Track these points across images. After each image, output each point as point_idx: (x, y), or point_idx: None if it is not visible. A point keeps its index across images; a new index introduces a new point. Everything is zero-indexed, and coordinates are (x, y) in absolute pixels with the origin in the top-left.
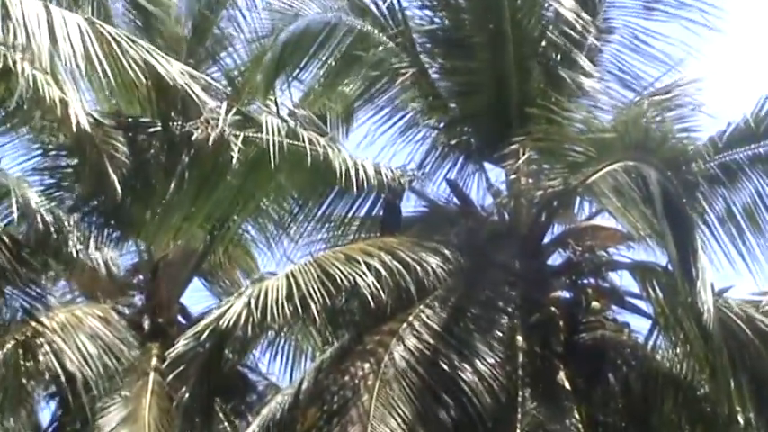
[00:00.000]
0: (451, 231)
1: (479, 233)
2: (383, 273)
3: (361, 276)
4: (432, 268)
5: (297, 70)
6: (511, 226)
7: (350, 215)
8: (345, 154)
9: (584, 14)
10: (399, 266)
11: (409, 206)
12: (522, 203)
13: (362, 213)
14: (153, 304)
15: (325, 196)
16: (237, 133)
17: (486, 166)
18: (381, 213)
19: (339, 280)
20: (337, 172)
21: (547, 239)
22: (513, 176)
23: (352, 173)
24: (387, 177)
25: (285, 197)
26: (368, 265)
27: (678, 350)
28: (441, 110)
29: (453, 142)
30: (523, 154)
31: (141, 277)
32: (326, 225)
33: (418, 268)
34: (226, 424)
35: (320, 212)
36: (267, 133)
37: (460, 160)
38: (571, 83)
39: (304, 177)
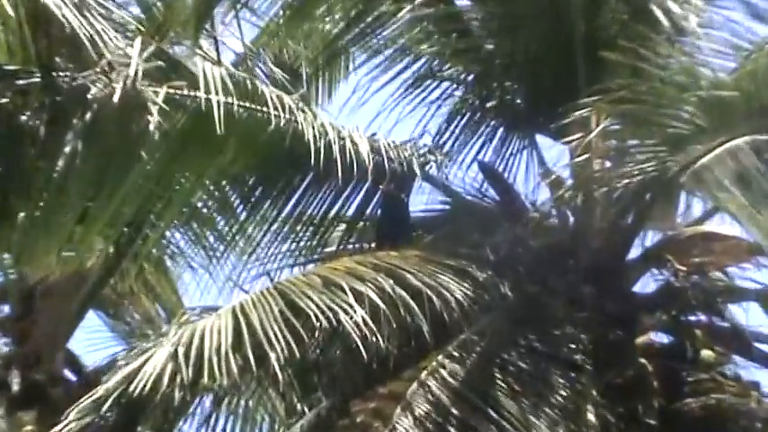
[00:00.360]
0: (486, 241)
1: (529, 244)
2: (381, 306)
3: (346, 311)
4: (456, 298)
5: None
6: (578, 233)
7: (330, 216)
8: (324, 121)
9: None
10: (406, 296)
11: (421, 202)
12: (596, 199)
13: (350, 213)
14: (25, 352)
15: (292, 187)
16: (157, 89)
17: (540, 140)
18: (379, 213)
19: (314, 317)
20: (311, 149)
21: (633, 254)
22: (581, 157)
23: (335, 150)
24: (387, 157)
25: (232, 189)
26: (357, 295)
27: None
28: (469, 54)
29: (489, 104)
30: (597, 123)
31: (7, 310)
32: (295, 232)
33: (435, 299)
34: None
35: (285, 212)
36: (204, 90)
37: (500, 132)
38: (668, 13)
39: (260, 158)
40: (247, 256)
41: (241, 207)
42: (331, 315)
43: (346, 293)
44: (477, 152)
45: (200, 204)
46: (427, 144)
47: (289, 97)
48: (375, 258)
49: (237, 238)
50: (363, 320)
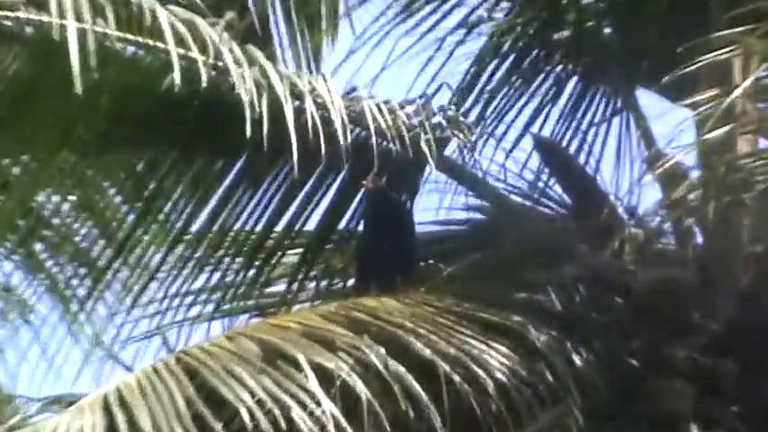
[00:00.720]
0: (548, 278)
1: (624, 281)
2: (364, 393)
3: (302, 403)
4: (495, 380)
5: None
6: (711, 263)
7: (278, 232)
8: (268, 67)
9: None
10: (407, 376)
11: (434, 208)
12: (743, 203)
13: (311, 227)
14: None
15: (211, 180)
16: None
17: (643, 100)
18: (362, 227)
19: (246, 414)
20: (246, 115)
21: None
22: (716, 131)
23: (288, 115)
24: (376, 130)
25: (105, 183)
26: (322, 374)
27: None
28: None
29: (553, 37)
30: (744, 73)
31: None
32: (214, 259)
33: (458, 380)
34: None
35: (198, 224)
36: (55, 11)
37: (572, 85)
38: None
39: (155, 130)
40: (131, 302)
41: (121, 215)
42: (277, 409)
43: (302, 371)
44: (531, 120)
45: (47, 211)
46: (445, 107)
47: (206, 25)
48: (354, 308)
49: (114, 269)
50: (333, 418)
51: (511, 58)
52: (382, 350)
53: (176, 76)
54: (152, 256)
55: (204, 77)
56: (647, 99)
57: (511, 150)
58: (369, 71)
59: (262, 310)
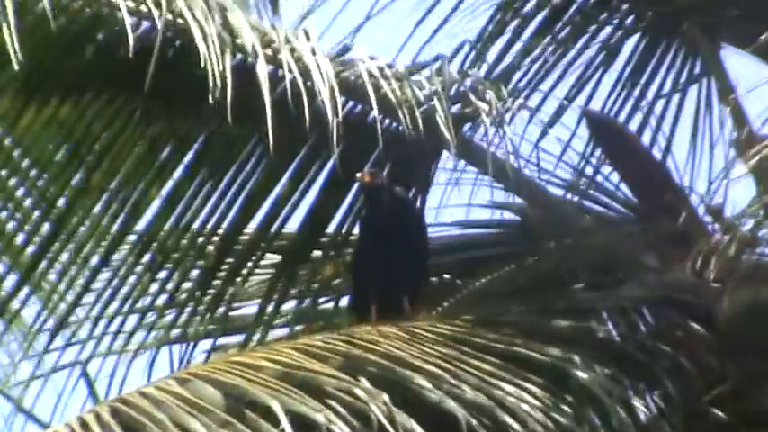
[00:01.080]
0: (604, 301)
1: (704, 307)
2: None
3: None
4: (528, 430)
5: None
6: None
7: (245, 235)
8: (236, 18)
9: None
10: (414, 429)
11: (452, 207)
12: None
13: (292, 227)
14: None
15: (158, 167)
16: None
17: (731, 63)
18: (358, 232)
19: None
20: (209, 79)
21: None
22: None
23: (261, 82)
24: (378, 103)
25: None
26: (303, 427)
27: None
28: None
29: None
30: None
31: None
32: (156, 274)
33: (479, 431)
34: None
35: (151, 220)
36: None
37: (632, 46)
38: None
39: (81, 100)
40: (52, 333)
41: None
42: None
43: (278, 424)
44: (577, 88)
45: None
46: (469, 74)
47: None
48: (348, 340)
49: (24, 291)
50: None
51: (550, 5)
52: (385, 396)
53: (127, 26)
54: (81, 267)
55: (159, 26)
56: (737, 62)
57: (547, 127)
58: (348, 21)
59: (226, 335)
